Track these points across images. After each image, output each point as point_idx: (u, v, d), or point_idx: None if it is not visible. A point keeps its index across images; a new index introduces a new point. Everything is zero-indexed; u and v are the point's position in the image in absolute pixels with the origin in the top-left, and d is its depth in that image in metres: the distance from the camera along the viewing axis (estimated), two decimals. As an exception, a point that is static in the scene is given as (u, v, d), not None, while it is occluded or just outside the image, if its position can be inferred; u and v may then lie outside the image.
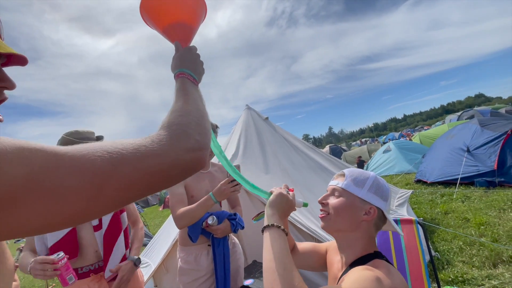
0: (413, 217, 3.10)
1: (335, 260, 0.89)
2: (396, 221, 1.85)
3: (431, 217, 4.00)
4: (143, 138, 0.45)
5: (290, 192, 0.87)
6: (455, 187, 4.93)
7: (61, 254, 1.17)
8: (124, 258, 1.44)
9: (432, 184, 5.82)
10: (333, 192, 0.85)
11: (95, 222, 1.40)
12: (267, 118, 4.27)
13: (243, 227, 1.70)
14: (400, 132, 32.54)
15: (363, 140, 37.19)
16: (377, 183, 0.82)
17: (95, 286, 1.37)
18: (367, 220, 0.79)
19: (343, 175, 0.85)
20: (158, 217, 10.59)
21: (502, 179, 4.47)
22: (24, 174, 0.31)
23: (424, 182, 6.14)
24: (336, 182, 0.85)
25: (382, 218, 0.82)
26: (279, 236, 0.72)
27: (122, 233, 1.47)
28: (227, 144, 3.79)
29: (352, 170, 0.86)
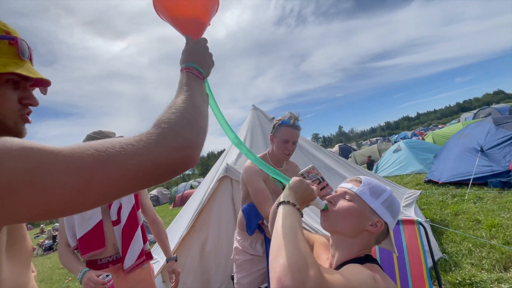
0: (418, 218, 3.06)
1: (323, 257, 0.89)
2: (398, 221, 1.85)
3: (440, 218, 3.92)
4: (134, 136, 0.47)
5: (314, 187, 0.83)
6: (467, 188, 4.80)
7: (110, 276, 1.30)
8: (142, 252, 1.56)
9: (444, 184, 5.68)
10: (343, 194, 0.83)
11: (114, 217, 1.52)
12: (273, 118, 4.29)
13: None
14: (413, 131, 31.75)
15: (373, 139, 36.50)
16: (391, 199, 0.81)
17: (114, 277, 1.46)
18: (371, 232, 0.77)
19: (360, 181, 0.84)
20: (169, 215, 10.81)
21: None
22: (24, 169, 0.37)
23: (435, 183, 5.99)
24: (350, 186, 0.83)
25: (385, 233, 0.81)
26: (293, 212, 0.68)
27: (139, 228, 1.58)
28: (231, 145, 3.84)
29: (370, 179, 0.84)
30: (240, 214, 1.80)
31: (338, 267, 0.77)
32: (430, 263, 1.76)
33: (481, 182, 4.84)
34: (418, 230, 1.76)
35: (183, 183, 18.48)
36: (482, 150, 4.98)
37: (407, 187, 6.16)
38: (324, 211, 0.83)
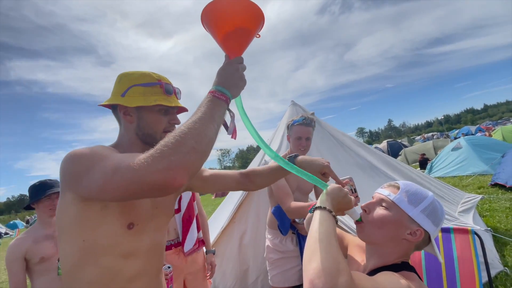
0: (479, 226, 2.75)
1: (357, 259, 0.88)
2: (448, 229, 1.71)
3: (505, 227, 3.45)
4: (143, 154, 0.60)
5: (352, 197, 0.83)
6: (545, 195, 4.10)
7: (171, 268, 1.48)
8: (197, 240, 1.82)
9: (513, 189, 4.95)
10: (380, 202, 0.80)
11: (175, 206, 1.76)
12: (312, 113, 4.20)
13: None
14: (478, 125, 27.86)
15: (428, 134, 32.97)
16: (433, 206, 0.77)
17: (175, 257, 1.75)
18: (410, 240, 0.75)
19: (398, 187, 0.80)
20: (211, 205, 11.43)
21: None
22: (85, 166, 0.68)
23: (503, 186, 5.25)
24: (387, 193, 0.80)
25: (426, 241, 0.78)
26: (329, 219, 0.68)
27: (195, 218, 1.85)
28: (272, 139, 3.89)
29: (408, 184, 0.80)
30: (269, 213, 1.89)
31: (372, 272, 0.77)
32: (485, 277, 1.60)
33: None
34: (472, 240, 1.61)
35: (225, 175, 19.21)
36: None
37: (467, 190, 5.51)
38: (359, 222, 0.82)
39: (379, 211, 0.78)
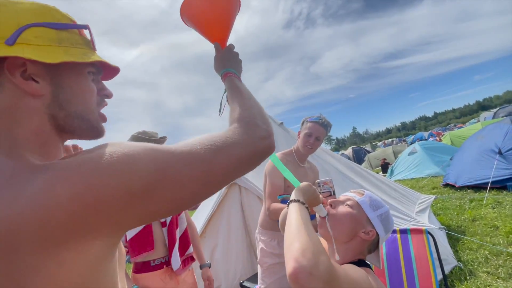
0: (434, 225, 2.98)
1: None
2: (405, 230, 1.83)
3: (457, 224, 3.79)
4: (223, 132, 0.52)
5: (321, 196, 0.92)
6: (486, 192, 4.61)
7: None
8: (187, 256, 1.63)
9: (461, 188, 5.48)
10: (345, 201, 0.89)
11: (161, 219, 1.58)
12: (281, 123, 4.31)
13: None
14: (430, 131, 30.71)
15: (388, 141, 35.59)
16: (387, 215, 0.88)
17: (167, 278, 1.52)
18: (363, 239, 0.83)
19: (363, 193, 0.91)
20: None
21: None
22: (154, 169, 0.40)
23: (453, 186, 5.80)
24: (353, 195, 0.90)
25: (375, 245, 0.87)
26: (304, 209, 0.76)
27: (180, 232, 1.64)
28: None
29: (372, 194, 0.93)
30: (263, 213, 1.75)
31: None
32: (440, 274, 1.73)
33: (500, 185, 4.65)
34: (426, 239, 1.74)
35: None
36: (500, 153, 4.78)
37: (423, 191, 5.98)
38: (323, 217, 0.89)
39: (344, 208, 0.87)
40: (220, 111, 0.80)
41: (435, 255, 1.70)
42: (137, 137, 1.57)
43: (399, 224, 2.82)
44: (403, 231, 1.83)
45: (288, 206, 0.80)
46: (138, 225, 0.44)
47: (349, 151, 18.58)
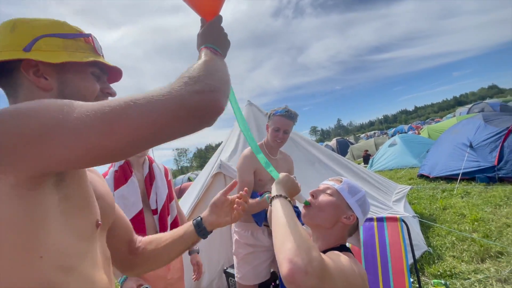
0: (408, 213, 3.18)
1: None
2: (382, 218, 1.94)
3: (429, 213, 4.05)
4: (158, 87, 0.49)
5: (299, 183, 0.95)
6: (457, 183, 4.93)
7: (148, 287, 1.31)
8: None
9: (435, 179, 5.82)
10: (325, 189, 0.93)
11: (153, 206, 1.58)
12: (267, 113, 4.33)
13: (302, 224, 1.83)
14: (409, 124, 31.92)
15: (370, 133, 36.70)
16: (364, 199, 0.93)
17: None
18: (345, 223, 0.88)
19: (341, 180, 0.95)
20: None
21: (502, 174, 4.45)
22: (52, 118, 0.41)
23: (427, 177, 6.13)
24: (332, 183, 0.94)
25: (355, 227, 0.93)
26: (288, 204, 0.77)
27: (172, 219, 1.65)
28: (226, 140, 3.90)
29: (349, 180, 0.97)
30: None
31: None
32: (411, 258, 1.87)
33: (469, 177, 4.97)
34: (400, 227, 1.86)
35: (181, 176, 18.58)
36: (471, 146, 5.09)
37: (400, 181, 6.29)
38: (307, 206, 0.93)
39: (325, 197, 0.91)
40: None
41: (407, 241, 1.83)
42: None
43: (376, 212, 2.97)
44: (380, 219, 1.94)
45: (271, 203, 0.81)
46: (49, 168, 0.44)
47: (333, 142, 19.04)
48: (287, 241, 0.63)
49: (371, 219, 1.97)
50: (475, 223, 3.27)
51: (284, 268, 0.58)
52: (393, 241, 1.84)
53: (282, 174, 0.91)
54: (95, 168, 0.74)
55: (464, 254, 2.66)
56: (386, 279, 1.76)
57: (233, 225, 1.84)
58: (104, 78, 0.65)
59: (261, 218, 1.71)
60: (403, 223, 1.87)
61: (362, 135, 37.27)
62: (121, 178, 1.52)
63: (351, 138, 26.47)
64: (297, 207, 1.67)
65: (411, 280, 1.77)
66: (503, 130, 4.64)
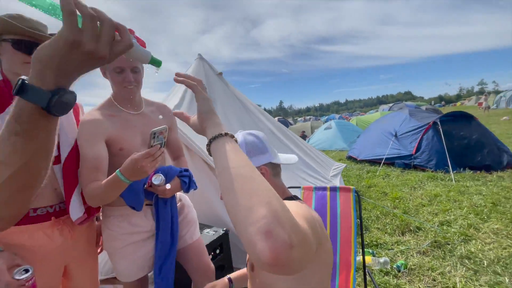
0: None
1: None
2: (335, 188, 1.88)
3: (357, 189, 4.43)
4: None
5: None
6: (379, 166, 5.56)
7: (30, 272, 0.83)
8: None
9: (361, 161, 6.48)
10: None
11: (55, 152, 0.98)
12: (221, 73, 3.87)
13: (196, 188, 1.36)
14: (340, 115, 35.42)
15: (307, 117, 39.58)
16: (250, 145, 0.87)
17: (54, 233, 1.07)
18: (267, 178, 0.84)
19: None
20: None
21: (416, 163, 5.20)
22: None
23: (355, 159, 6.79)
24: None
25: (275, 168, 0.89)
26: (237, 146, 0.54)
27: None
28: (168, 94, 3.34)
29: (244, 138, 0.89)
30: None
31: None
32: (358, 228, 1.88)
33: (390, 162, 5.67)
34: (352, 198, 1.82)
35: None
36: (396, 136, 5.75)
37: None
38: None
39: None
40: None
41: (357, 213, 1.81)
42: (4, 21, 0.97)
43: (316, 184, 3.03)
44: (333, 189, 1.87)
45: (210, 151, 0.55)
46: None
47: (275, 120, 19.63)
48: (256, 204, 0.42)
49: (324, 189, 1.90)
50: (396, 200, 3.69)
51: (260, 247, 0.38)
52: (344, 211, 1.80)
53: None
54: None
55: (387, 227, 2.94)
56: (334, 248, 1.72)
57: (101, 215, 1.34)
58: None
59: (140, 201, 1.18)
60: (355, 194, 1.84)
61: (300, 119, 39.73)
62: None
63: (290, 120, 27.90)
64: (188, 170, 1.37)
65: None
66: (424, 125, 5.34)
